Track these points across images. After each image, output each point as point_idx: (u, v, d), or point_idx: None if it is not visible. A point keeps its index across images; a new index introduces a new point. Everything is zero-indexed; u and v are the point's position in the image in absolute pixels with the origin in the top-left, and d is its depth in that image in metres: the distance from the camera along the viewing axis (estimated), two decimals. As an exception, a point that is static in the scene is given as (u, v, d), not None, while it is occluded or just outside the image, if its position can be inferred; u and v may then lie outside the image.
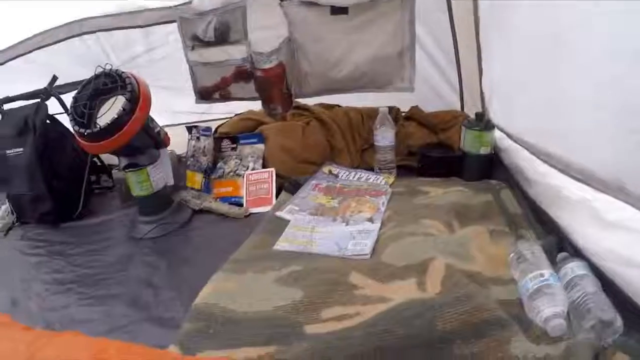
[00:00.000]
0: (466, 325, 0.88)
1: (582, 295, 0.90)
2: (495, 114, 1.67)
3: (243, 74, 1.93)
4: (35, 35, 1.97)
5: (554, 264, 1.03)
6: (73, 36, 1.99)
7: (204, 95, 2.06)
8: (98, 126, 1.42)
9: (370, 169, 1.82)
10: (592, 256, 1.01)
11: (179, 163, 2.01)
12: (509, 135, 1.55)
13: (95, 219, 1.79)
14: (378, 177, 1.75)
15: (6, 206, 1.82)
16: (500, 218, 1.36)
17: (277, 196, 1.70)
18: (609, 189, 0.96)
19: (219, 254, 1.34)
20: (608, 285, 0.94)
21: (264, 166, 1.83)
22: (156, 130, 1.63)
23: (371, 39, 1.84)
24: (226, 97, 2.05)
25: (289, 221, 1.49)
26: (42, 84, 1.85)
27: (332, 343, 0.92)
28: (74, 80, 1.71)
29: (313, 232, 1.41)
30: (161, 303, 1.23)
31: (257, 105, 2.04)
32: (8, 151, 1.72)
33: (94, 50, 2.03)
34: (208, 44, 1.91)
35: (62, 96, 1.84)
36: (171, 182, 1.76)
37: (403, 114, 2.03)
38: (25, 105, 1.82)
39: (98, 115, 1.46)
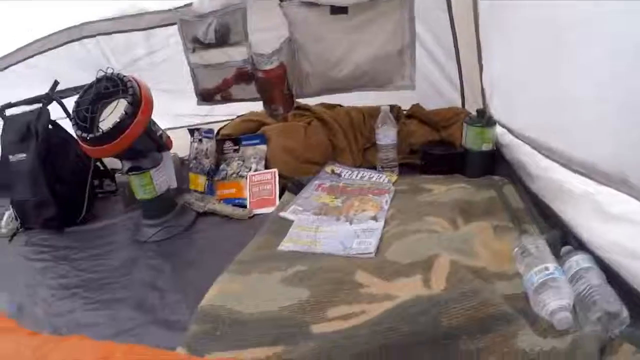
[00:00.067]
0: (472, 320, 0.88)
1: (587, 288, 0.90)
2: (496, 110, 1.67)
3: (244, 76, 1.93)
4: (35, 41, 1.98)
5: (558, 257, 1.03)
6: (73, 40, 2.00)
7: (206, 97, 2.06)
8: (100, 130, 1.42)
9: (373, 167, 1.82)
10: (597, 249, 1.01)
11: (182, 166, 2.01)
12: (510, 131, 1.55)
13: (99, 223, 1.79)
14: (381, 175, 1.75)
15: (10, 212, 1.83)
16: (503, 213, 1.36)
17: (280, 197, 1.70)
18: (611, 182, 0.96)
19: (223, 255, 1.34)
20: (613, 278, 0.94)
21: (266, 167, 1.83)
22: (158, 134, 1.64)
23: (371, 38, 1.84)
24: (227, 99, 2.05)
25: (292, 221, 1.49)
26: (43, 89, 1.86)
27: (338, 342, 0.92)
28: (76, 84, 1.72)
29: (317, 231, 1.41)
30: (167, 306, 1.23)
31: (258, 107, 2.05)
32: (11, 157, 1.74)
33: (95, 54, 2.04)
34: (209, 46, 1.91)
35: (64, 101, 1.85)
36: (174, 185, 1.76)
37: (404, 112, 2.03)
38: (27, 111, 1.83)
39: (100, 119, 1.47)
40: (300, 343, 0.95)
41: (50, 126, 1.82)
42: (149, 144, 1.59)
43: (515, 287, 1.03)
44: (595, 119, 1.00)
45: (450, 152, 1.74)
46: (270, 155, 1.85)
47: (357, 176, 1.77)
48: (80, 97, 1.51)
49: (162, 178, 1.63)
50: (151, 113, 1.51)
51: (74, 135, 1.50)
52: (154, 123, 1.61)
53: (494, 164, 1.65)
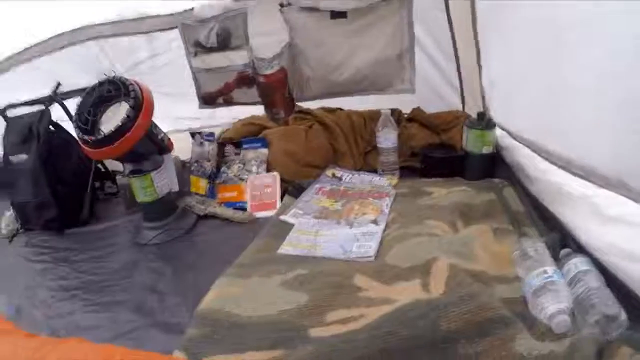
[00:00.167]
0: (470, 324, 0.88)
1: (585, 291, 0.90)
2: (495, 113, 1.67)
3: (245, 79, 1.94)
4: (38, 43, 1.98)
5: (557, 260, 1.03)
6: (76, 43, 2.00)
7: (208, 100, 2.08)
8: (102, 133, 1.43)
9: (374, 171, 1.83)
10: (595, 251, 1.01)
11: (183, 169, 2.01)
12: (509, 134, 1.55)
13: (100, 225, 1.79)
14: (381, 179, 1.75)
15: (11, 213, 1.83)
16: (503, 216, 1.36)
17: (281, 200, 1.70)
18: (610, 185, 0.97)
19: (223, 258, 1.34)
20: (611, 280, 0.94)
21: (267, 170, 1.83)
22: (160, 136, 1.64)
23: (371, 42, 1.86)
24: (229, 102, 2.06)
25: (293, 225, 1.49)
26: (45, 91, 1.86)
27: (337, 346, 0.92)
28: (77, 87, 1.72)
29: (317, 235, 1.41)
30: (166, 309, 1.23)
31: (260, 110, 2.05)
32: (12, 158, 1.74)
33: (97, 57, 2.04)
34: (210, 50, 1.93)
35: (66, 103, 1.85)
36: (175, 187, 1.76)
37: (405, 115, 2.03)
38: (29, 112, 1.83)
39: (102, 122, 1.47)
40: (298, 347, 0.95)
41: (51, 128, 1.82)
42: (150, 147, 1.60)
43: (514, 290, 1.02)
44: (593, 121, 1.00)
45: (451, 155, 1.74)
46: (272, 159, 1.85)
47: (357, 179, 1.78)
48: (82, 100, 1.51)
49: (163, 181, 1.63)
50: (152, 116, 1.51)
51: (76, 137, 1.51)
52: (156, 126, 1.62)
53: (494, 166, 1.65)
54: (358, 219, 1.46)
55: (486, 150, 1.62)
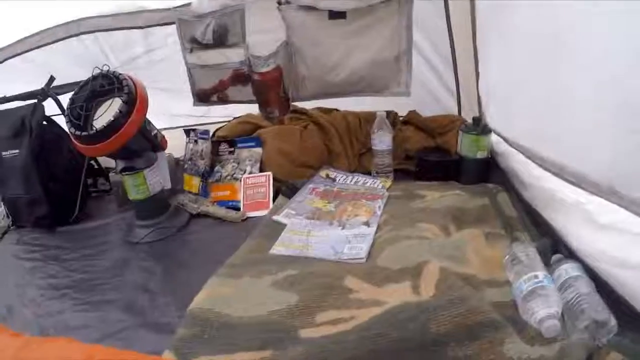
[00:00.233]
0: (460, 327, 0.88)
1: (576, 296, 0.90)
2: (492, 118, 1.67)
3: (241, 77, 1.93)
4: (33, 35, 1.96)
5: (549, 265, 1.03)
6: (71, 36, 1.98)
7: (202, 97, 2.06)
8: (94, 128, 1.41)
9: (368, 173, 1.82)
10: (586, 258, 1.02)
11: (177, 166, 2.01)
12: (505, 139, 1.55)
13: (91, 223, 1.78)
14: (375, 181, 1.75)
15: (1, 209, 1.81)
16: (496, 221, 1.36)
17: (274, 200, 1.69)
18: (602, 192, 0.97)
19: (215, 258, 1.33)
20: (602, 286, 0.95)
21: (261, 170, 1.82)
22: (153, 133, 1.63)
23: (368, 44, 1.85)
24: (224, 100, 2.05)
25: (285, 225, 1.49)
26: (39, 83, 1.84)
27: (326, 347, 0.91)
28: (73, 80, 1.70)
29: (309, 236, 1.41)
30: (157, 308, 1.22)
31: (255, 109, 2.05)
32: (4, 152, 1.72)
33: (93, 51, 2.03)
34: (206, 47, 1.91)
35: (60, 97, 1.84)
36: (168, 185, 1.75)
37: (401, 118, 2.03)
38: (21, 106, 1.81)
39: (94, 117, 1.46)
40: (288, 348, 0.94)
41: (44, 122, 1.81)
42: (144, 144, 1.59)
43: (504, 294, 1.02)
44: (588, 128, 1.00)
45: (446, 159, 1.75)
46: (266, 158, 1.84)
47: (351, 181, 1.77)
48: (75, 94, 1.50)
49: (156, 178, 1.62)
50: (146, 112, 1.51)
51: (68, 132, 1.50)
52: (149, 123, 1.61)
53: (489, 171, 1.65)
54: (350, 221, 1.46)
55: (481, 155, 1.62)
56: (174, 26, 1.93)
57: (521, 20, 1.29)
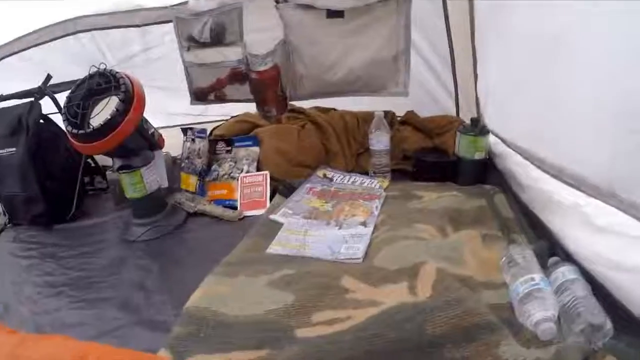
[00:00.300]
0: (456, 329, 0.88)
1: (572, 299, 0.90)
2: (490, 119, 1.67)
3: (238, 76, 1.93)
4: (30, 33, 1.96)
5: (545, 268, 1.03)
6: (68, 34, 1.98)
7: (199, 96, 2.06)
8: (91, 127, 1.41)
9: (365, 172, 1.82)
10: (583, 260, 1.02)
11: (174, 165, 2.00)
12: (503, 141, 1.55)
13: (88, 221, 1.78)
14: (373, 181, 1.75)
15: (-2, 207, 1.81)
16: (493, 222, 1.36)
17: (271, 199, 1.69)
18: (600, 195, 0.96)
19: (212, 256, 1.33)
20: (598, 289, 0.95)
21: (258, 169, 1.82)
22: (150, 132, 1.63)
23: (367, 43, 1.84)
24: (221, 99, 2.04)
25: (282, 224, 1.49)
26: (36, 82, 1.84)
27: (323, 347, 0.91)
28: (70, 79, 1.70)
29: (306, 235, 1.40)
30: (153, 306, 1.22)
31: (253, 108, 2.04)
32: (0, 151, 1.71)
33: (90, 49, 2.02)
34: (204, 45, 1.91)
35: (57, 95, 1.84)
36: (165, 184, 1.75)
37: (398, 118, 2.03)
38: (18, 104, 1.80)
39: (91, 116, 1.45)
40: (285, 347, 0.94)
41: (41, 120, 1.80)
42: (141, 142, 1.58)
43: (501, 296, 1.02)
44: (587, 130, 1.00)
45: (443, 159, 1.75)
46: (263, 157, 1.84)
47: (348, 181, 1.77)
48: (72, 93, 1.49)
49: (153, 177, 1.61)
50: (143, 111, 1.50)
51: (65, 130, 1.49)
52: (146, 121, 1.61)
53: (486, 172, 1.65)
54: (347, 221, 1.46)
55: (478, 156, 1.62)
56: (171, 24, 1.92)
57: (520, 20, 1.29)
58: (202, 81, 2.01)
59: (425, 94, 1.99)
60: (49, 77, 1.85)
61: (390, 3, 1.76)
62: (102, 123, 1.40)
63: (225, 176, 1.83)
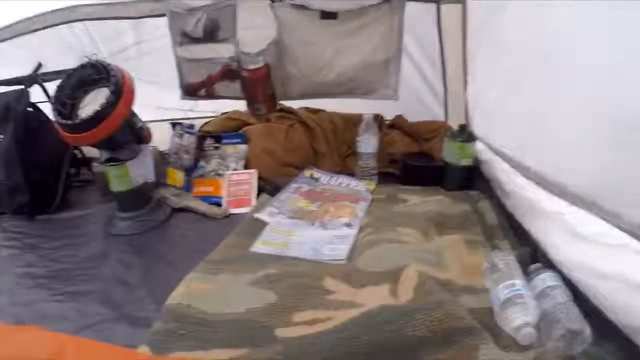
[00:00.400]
0: (436, 332, 0.88)
1: (552, 305, 0.91)
2: (477, 127, 1.68)
3: (229, 73, 1.92)
4: (23, 20, 1.94)
5: (527, 274, 1.04)
6: (62, 23, 1.96)
7: (190, 91, 2.05)
8: (79, 117, 1.40)
9: (352, 174, 1.83)
10: (564, 267, 1.02)
11: (162, 159, 1.98)
12: (490, 148, 1.56)
13: (72, 213, 1.75)
14: (359, 183, 1.75)
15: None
16: (477, 228, 1.38)
17: (257, 198, 1.69)
18: (582, 203, 0.97)
19: (195, 253, 1.33)
20: (579, 297, 0.95)
21: (246, 167, 1.82)
22: (138, 125, 1.61)
23: (359, 45, 1.85)
24: (211, 95, 2.04)
25: (267, 223, 1.49)
26: (28, 69, 1.83)
27: (303, 347, 0.91)
28: (61, 68, 1.68)
29: (290, 235, 1.41)
30: (134, 301, 1.20)
31: (243, 105, 2.03)
32: (-14, 137, 1.69)
33: (83, 40, 2.00)
34: (196, 41, 1.90)
35: (47, 85, 1.82)
36: (152, 178, 1.73)
37: (387, 122, 2.04)
38: (7, 91, 1.78)
39: (81, 107, 1.44)
40: (265, 346, 0.94)
41: (29, 109, 1.78)
42: (129, 136, 1.57)
43: (482, 301, 1.03)
44: (570, 140, 1.01)
45: (430, 164, 1.76)
46: (250, 156, 1.84)
47: (335, 182, 1.78)
48: (62, 82, 1.48)
49: (139, 171, 1.60)
50: (132, 104, 1.48)
51: (53, 120, 1.47)
52: (135, 115, 1.59)
53: (473, 179, 1.66)
54: (332, 222, 1.46)
55: (465, 162, 1.64)
56: (165, 19, 1.92)
57: (510, 31, 1.31)
58: (193, 77, 2.00)
59: (415, 99, 2.00)
60: (39, 66, 1.84)
61: (383, 7, 1.77)
62: (91, 114, 1.38)
63: (212, 173, 1.83)
